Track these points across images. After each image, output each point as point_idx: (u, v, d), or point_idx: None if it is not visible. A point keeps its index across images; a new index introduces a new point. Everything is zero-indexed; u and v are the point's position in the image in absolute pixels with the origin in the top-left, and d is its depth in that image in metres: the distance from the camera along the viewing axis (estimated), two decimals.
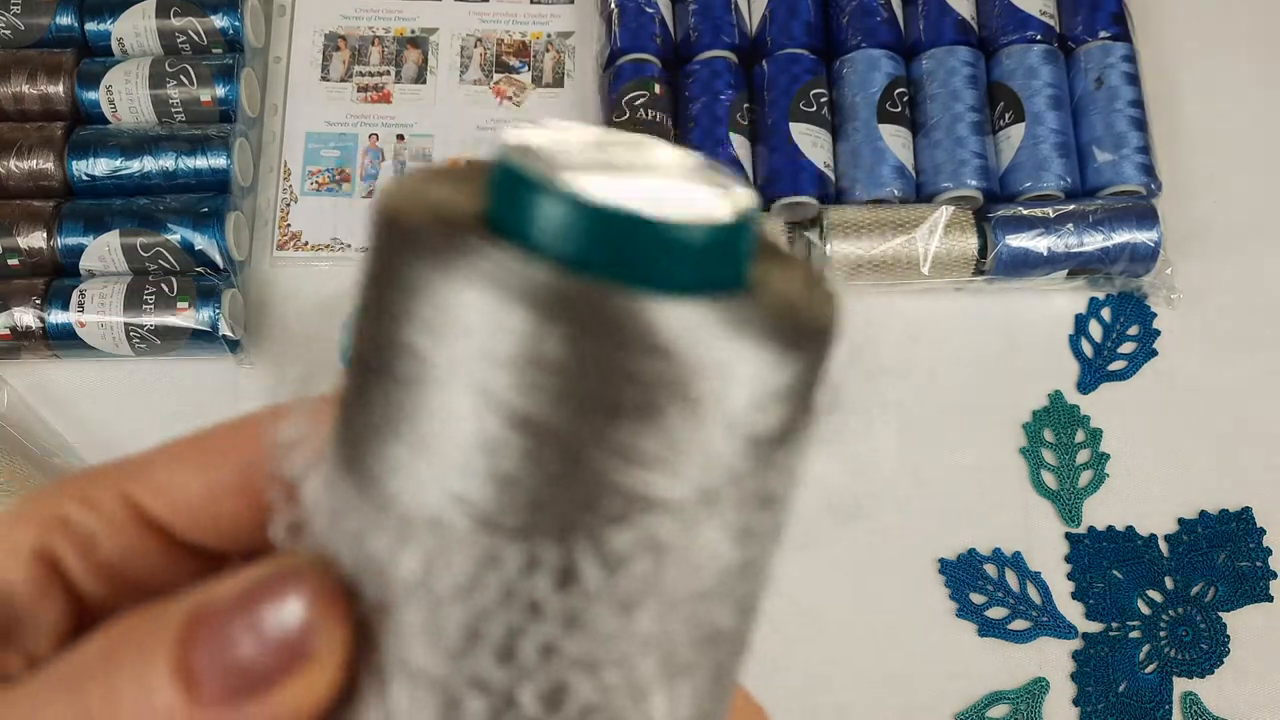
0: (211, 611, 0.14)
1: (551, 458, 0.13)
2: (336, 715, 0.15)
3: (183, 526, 0.18)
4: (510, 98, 0.59)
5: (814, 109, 0.55)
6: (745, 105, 0.56)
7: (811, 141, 0.55)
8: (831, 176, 0.55)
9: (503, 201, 0.14)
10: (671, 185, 0.14)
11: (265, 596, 0.14)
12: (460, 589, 0.14)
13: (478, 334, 0.13)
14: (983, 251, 0.54)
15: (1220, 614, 0.51)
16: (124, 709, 0.14)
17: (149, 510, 0.18)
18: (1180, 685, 0.50)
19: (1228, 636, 0.51)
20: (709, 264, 0.14)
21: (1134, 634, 0.51)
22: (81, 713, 0.14)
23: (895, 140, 0.55)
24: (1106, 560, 0.52)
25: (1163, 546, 0.52)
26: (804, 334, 0.14)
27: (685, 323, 0.13)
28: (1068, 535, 0.53)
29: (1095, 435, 0.54)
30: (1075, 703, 0.50)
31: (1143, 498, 0.53)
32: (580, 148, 0.14)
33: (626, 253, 0.13)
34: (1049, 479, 0.54)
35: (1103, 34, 0.57)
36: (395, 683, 0.14)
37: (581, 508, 0.13)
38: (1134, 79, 0.56)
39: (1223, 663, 0.51)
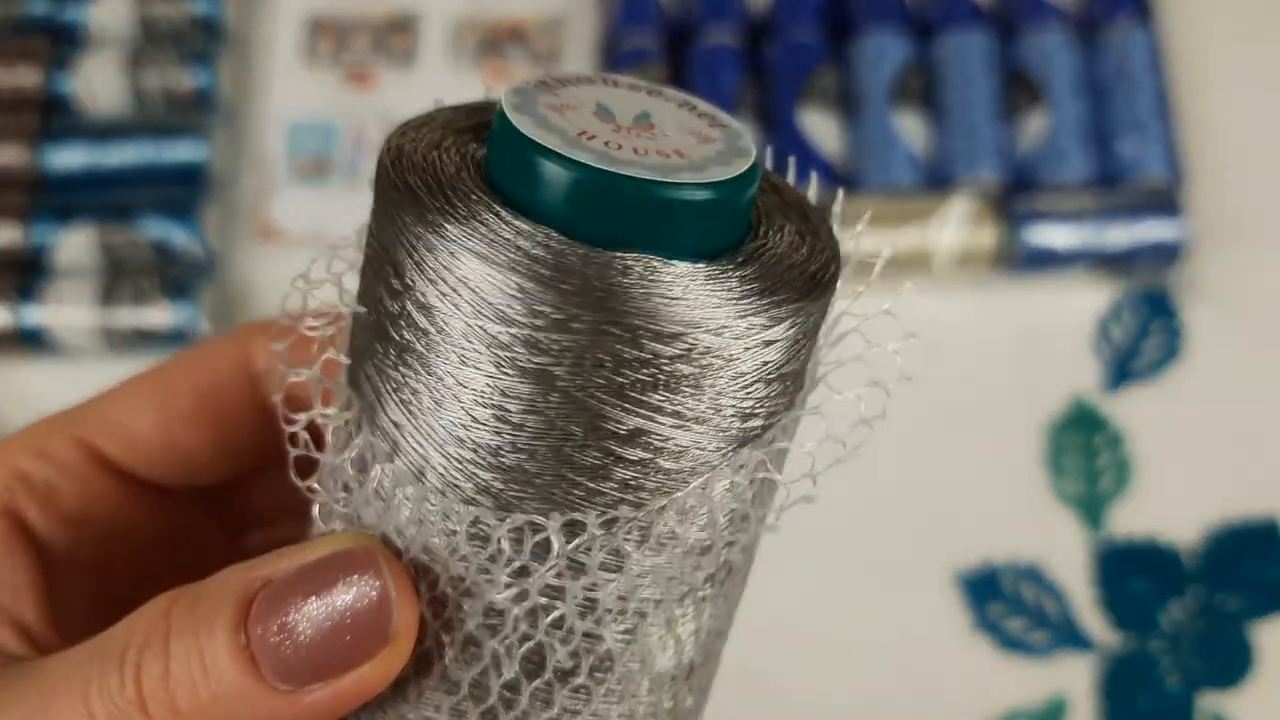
0: (274, 589, 0.14)
1: (552, 425, 0.14)
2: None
3: (139, 463, 0.18)
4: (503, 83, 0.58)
5: (823, 94, 0.54)
6: (750, 90, 0.55)
7: (820, 128, 0.54)
8: (841, 165, 0.54)
9: (502, 163, 0.14)
10: (670, 141, 0.14)
11: (337, 577, 0.14)
12: (496, 559, 0.14)
13: (478, 298, 0.13)
14: (1001, 245, 0.53)
15: (1248, 626, 0.50)
16: (182, 687, 0.14)
17: (104, 452, 0.18)
18: (1205, 701, 0.49)
19: (1255, 650, 0.50)
20: (709, 224, 0.14)
21: (1158, 647, 0.50)
22: (134, 690, 0.14)
23: (908, 127, 0.54)
24: (1130, 570, 0.51)
25: (1188, 556, 0.51)
26: (799, 287, 0.14)
27: (683, 290, 0.13)
28: (1089, 544, 0.51)
29: (1119, 440, 0.53)
30: (1096, 719, 0.49)
31: (1168, 505, 0.52)
32: (580, 103, 0.14)
33: (624, 218, 0.13)
34: (1070, 486, 0.52)
35: (1127, 18, 0.56)
36: (449, 646, 0.15)
37: (574, 485, 0.14)
38: (1160, 65, 0.55)
39: (1250, 677, 0.49)
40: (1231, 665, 0.50)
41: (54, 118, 0.55)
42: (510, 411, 0.14)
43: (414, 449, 0.14)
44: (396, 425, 0.14)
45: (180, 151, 0.54)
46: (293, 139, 0.57)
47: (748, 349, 0.14)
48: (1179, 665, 0.50)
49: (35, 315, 0.51)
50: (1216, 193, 0.56)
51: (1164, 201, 0.53)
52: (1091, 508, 0.52)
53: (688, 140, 0.14)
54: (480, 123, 0.16)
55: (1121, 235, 0.52)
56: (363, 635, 0.14)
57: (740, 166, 0.14)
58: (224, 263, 0.55)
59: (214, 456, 0.19)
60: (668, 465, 0.14)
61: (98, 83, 0.55)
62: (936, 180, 0.54)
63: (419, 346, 0.14)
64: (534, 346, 0.13)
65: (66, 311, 0.51)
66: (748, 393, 0.14)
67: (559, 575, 0.14)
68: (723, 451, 0.15)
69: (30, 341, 0.52)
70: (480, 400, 0.14)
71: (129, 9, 0.56)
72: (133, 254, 0.53)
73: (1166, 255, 0.53)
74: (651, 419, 0.14)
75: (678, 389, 0.14)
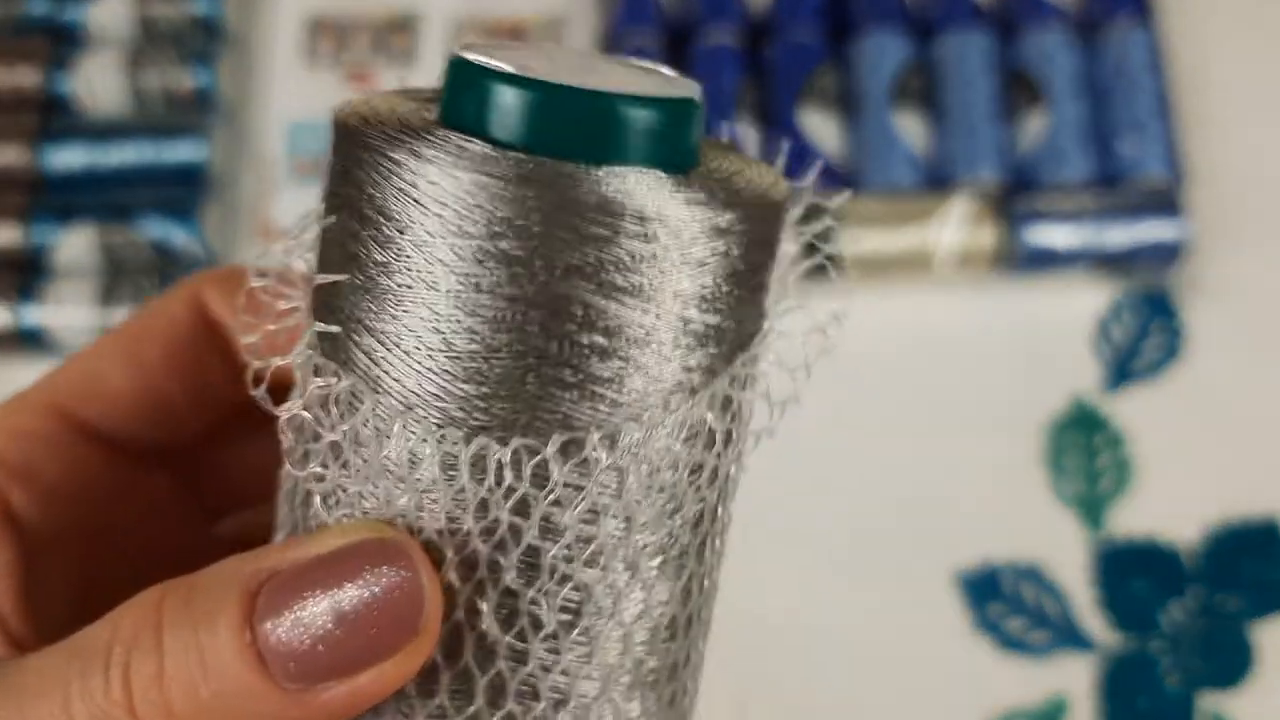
0: (284, 581, 0.13)
1: (520, 339, 0.14)
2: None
3: (117, 421, 0.18)
4: None
5: (823, 94, 0.54)
6: (750, 90, 0.55)
7: (820, 128, 0.54)
8: (841, 166, 0.54)
9: (458, 99, 0.15)
10: (619, 77, 0.15)
11: (361, 567, 0.13)
12: (467, 486, 0.14)
13: (493, 216, 0.13)
14: (1001, 245, 0.52)
15: (1248, 626, 0.50)
16: (178, 686, 0.12)
17: (81, 416, 0.17)
18: (1205, 701, 0.49)
19: (1255, 650, 0.49)
20: (671, 138, 0.14)
21: (1158, 647, 0.50)
22: (121, 691, 0.13)
23: (908, 127, 0.54)
24: (1130, 570, 0.51)
25: (1188, 556, 0.51)
26: (763, 195, 0.15)
27: (679, 193, 0.14)
28: (1089, 544, 0.51)
29: (1119, 440, 0.53)
30: (1096, 719, 0.49)
31: (1169, 505, 0.52)
32: (528, 55, 0.15)
33: (596, 134, 0.14)
34: (1070, 486, 0.52)
35: (1127, 18, 0.55)
36: (484, 612, 0.14)
37: (532, 407, 0.14)
38: (1160, 65, 0.55)
39: (1250, 677, 0.49)
40: (1231, 665, 0.49)
41: (54, 118, 0.55)
42: (532, 333, 0.14)
43: (430, 399, 0.14)
44: (400, 380, 0.14)
45: (180, 151, 0.54)
46: (293, 139, 0.57)
47: (740, 248, 0.15)
48: (1179, 665, 0.50)
49: (35, 315, 0.51)
50: (1216, 193, 0.55)
51: (1164, 201, 0.53)
52: (1091, 508, 0.52)
53: (634, 77, 0.15)
54: (416, 99, 0.16)
55: (1121, 235, 0.52)
56: (389, 629, 0.13)
57: (689, 92, 0.15)
58: (224, 263, 0.55)
59: (188, 405, 0.19)
60: (674, 369, 0.14)
61: (97, 83, 0.55)
62: (936, 180, 0.54)
63: (421, 287, 0.14)
64: (553, 259, 0.13)
65: (66, 311, 0.51)
66: (740, 294, 0.15)
67: (600, 492, 0.14)
68: (724, 356, 0.15)
69: (30, 341, 0.52)
70: (500, 325, 0.14)
71: (129, 9, 0.56)
72: (133, 254, 0.53)
73: (1166, 255, 0.53)
74: (661, 318, 0.14)
75: (684, 285, 0.14)
